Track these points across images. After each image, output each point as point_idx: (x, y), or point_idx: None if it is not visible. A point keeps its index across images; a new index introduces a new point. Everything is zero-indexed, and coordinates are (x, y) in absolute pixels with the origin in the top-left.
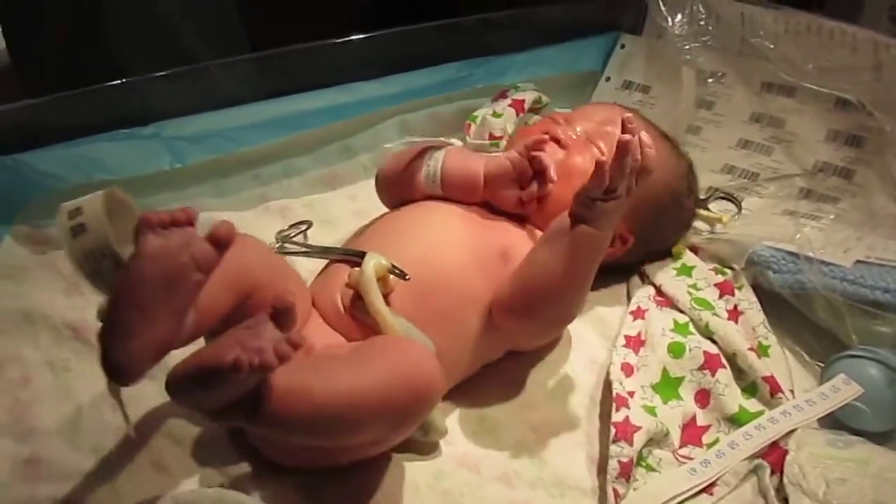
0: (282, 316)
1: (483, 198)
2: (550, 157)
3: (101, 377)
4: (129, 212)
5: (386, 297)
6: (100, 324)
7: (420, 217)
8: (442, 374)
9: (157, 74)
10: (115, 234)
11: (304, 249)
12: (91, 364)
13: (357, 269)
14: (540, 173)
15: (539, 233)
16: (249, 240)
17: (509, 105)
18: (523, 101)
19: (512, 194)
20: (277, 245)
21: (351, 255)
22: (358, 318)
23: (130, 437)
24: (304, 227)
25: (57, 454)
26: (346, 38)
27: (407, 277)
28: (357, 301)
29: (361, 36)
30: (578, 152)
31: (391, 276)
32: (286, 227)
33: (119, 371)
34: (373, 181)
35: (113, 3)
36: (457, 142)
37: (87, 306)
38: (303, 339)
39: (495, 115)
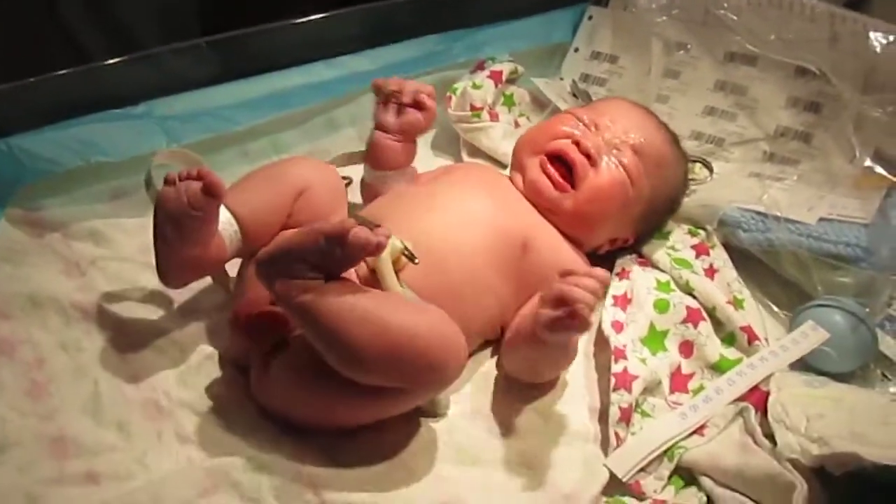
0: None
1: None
2: (581, 171)
3: (113, 353)
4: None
5: (398, 271)
6: None
7: (444, 192)
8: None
9: (141, 54)
10: None
11: None
12: (104, 342)
13: None
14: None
15: (552, 230)
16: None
17: (488, 76)
18: (501, 72)
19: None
20: None
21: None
22: None
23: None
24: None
25: (82, 431)
26: (326, 14)
27: (416, 262)
28: (372, 276)
29: (341, 11)
30: (607, 172)
31: (402, 257)
32: None
33: (164, 281)
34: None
35: None
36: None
37: (91, 287)
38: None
39: (475, 86)
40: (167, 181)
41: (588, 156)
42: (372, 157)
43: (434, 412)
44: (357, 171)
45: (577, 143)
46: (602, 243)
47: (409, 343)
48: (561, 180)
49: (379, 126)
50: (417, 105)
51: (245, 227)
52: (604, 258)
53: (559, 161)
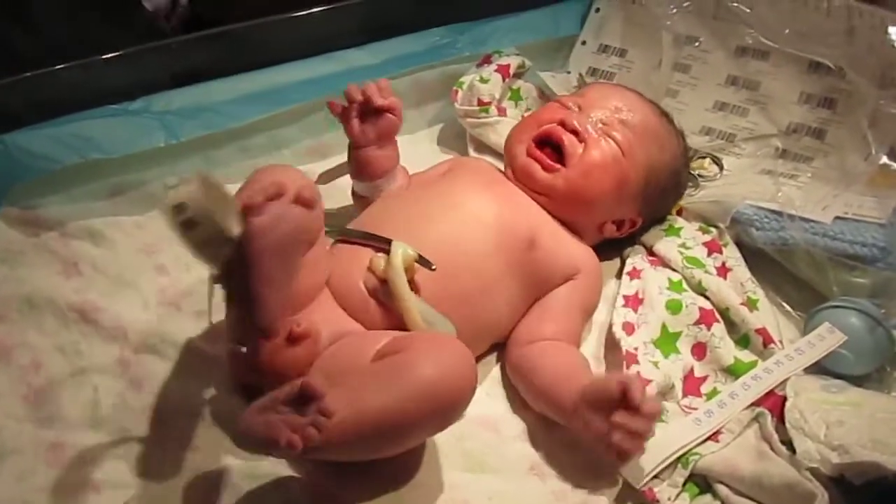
0: (312, 399)
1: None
2: (570, 148)
3: (113, 357)
4: (219, 191)
5: (410, 282)
6: (215, 287)
7: (446, 195)
8: (475, 366)
9: (138, 48)
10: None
11: (326, 229)
12: (103, 346)
13: (381, 255)
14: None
15: (556, 224)
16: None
17: (495, 70)
18: (508, 65)
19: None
20: None
21: (377, 242)
22: (382, 304)
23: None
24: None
25: (81, 438)
26: (326, 7)
27: (433, 268)
28: (382, 286)
29: (341, 4)
30: (596, 146)
31: (416, 265)
32: None
33: (269, 330)
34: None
35: None
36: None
37: (89, 288)
38: (330, 412)
39: (482, 80)
40: (251, 209)
41: (575, 133)
42: (359, 171)
43: None
44: (342, 185)
45: (562, 124)
46: (605, 224)
47: (421, 416)
48: (549, 161)
49: (358, 142)
50: (389, 108)
51: None
52: (613, 246)
53: (549, 145)
